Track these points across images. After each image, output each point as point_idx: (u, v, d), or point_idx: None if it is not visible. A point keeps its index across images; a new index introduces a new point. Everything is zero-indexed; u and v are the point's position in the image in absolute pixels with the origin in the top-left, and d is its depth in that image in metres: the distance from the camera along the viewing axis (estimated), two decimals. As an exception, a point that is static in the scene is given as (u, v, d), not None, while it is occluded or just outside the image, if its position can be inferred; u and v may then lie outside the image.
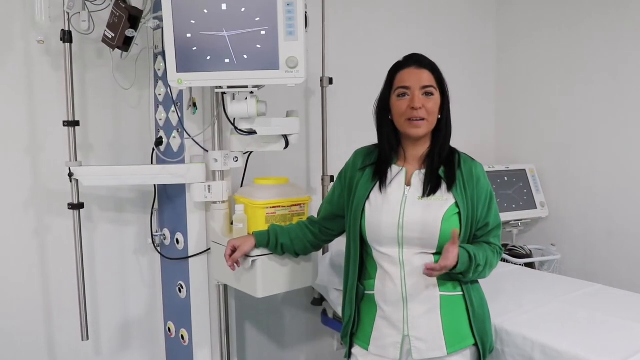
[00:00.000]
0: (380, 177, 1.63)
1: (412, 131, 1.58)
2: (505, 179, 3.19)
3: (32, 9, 1.86)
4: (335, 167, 1.96)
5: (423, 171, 1.62)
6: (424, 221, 1.55)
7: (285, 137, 1.98)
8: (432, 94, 1.58)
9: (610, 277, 2.78)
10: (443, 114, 1.62)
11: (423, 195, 1.58)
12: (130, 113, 2.23)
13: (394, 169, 1.64)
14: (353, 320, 1.69)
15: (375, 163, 1.66)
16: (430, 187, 1.58)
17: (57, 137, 2.02)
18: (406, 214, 1.56)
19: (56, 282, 2.13)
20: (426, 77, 1.58)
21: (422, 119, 1.56)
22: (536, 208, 3.18)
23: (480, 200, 1.60)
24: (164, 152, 2.13)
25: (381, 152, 1.66)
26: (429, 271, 1.48)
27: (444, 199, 1.57)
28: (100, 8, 1.95)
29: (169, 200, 2.19)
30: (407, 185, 1.61)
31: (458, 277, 1.57)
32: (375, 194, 1.62)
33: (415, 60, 1.61)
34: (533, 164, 3.27)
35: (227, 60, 1.73)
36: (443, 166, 1.61)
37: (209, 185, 2.02)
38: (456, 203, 1.57)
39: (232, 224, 2.01)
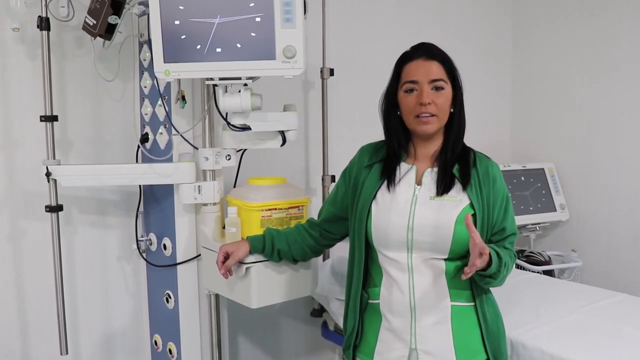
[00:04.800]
0: (388, 175, 1.63)
1: (421, 128, 1.58)
2: (522, 179, 3.19)
3: (6, -7, 1.87)
4: (337, 166, 1.97)
5: (435, 169, 1.62)
6: (436, 223, 1.55)
7: (283, 133, 1.98)
8: (442, 88, 1.57)
9: (636, 286, 2.78)
10: (456, 108, 1.62)
11: (435, 195, 1.58)
12: (113, 107, 2.23)
13: (403, 166, 1.64)
14: (356, 332, 1.69)
15: (383, 160, 1.66)
16: (443, 186, 1.58)
17: (34, 133, 2.02)
18: (416, 215, 1.56)
19: (32, 291, 2.14)
20: (436, 69, 1.58)
21: (432, 115, 1.57)
22: (555, 211, 3.19)
23: (496, 202, 1.60)
24: (150, 149, 2.13)
25: (389, 149, 1.66)
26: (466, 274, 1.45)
27: (457, 199, 1.57)
28: (81, -8, 1.97)
29: (155, 202, 2.19)
30: (418, 185, 1.61)
31: (486, 281, 1.55)
32: (382, 193, 1.62)
33: (424, 51, 1.60)
34: (552, 163, 3.28)
35: (218, 50, 1.74)
36: (457, 164, 1.61)
37: (199, 186, 2.02)
38: (471, 204, 1.56)
39: (224, 228, 2.01)
